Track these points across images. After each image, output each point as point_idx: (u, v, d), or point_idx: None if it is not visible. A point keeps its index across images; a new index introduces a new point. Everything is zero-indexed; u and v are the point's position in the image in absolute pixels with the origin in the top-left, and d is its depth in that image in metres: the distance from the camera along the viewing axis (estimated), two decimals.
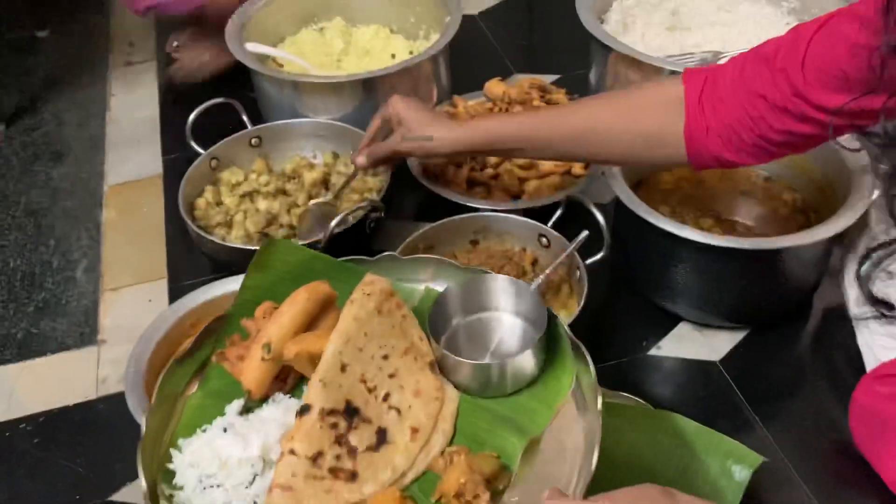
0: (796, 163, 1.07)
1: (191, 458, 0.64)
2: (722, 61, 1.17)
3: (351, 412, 0.64)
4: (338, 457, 0.62)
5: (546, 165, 1.13)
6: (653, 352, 0.98)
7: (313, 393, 0.64)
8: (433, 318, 0.72)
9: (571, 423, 0.67)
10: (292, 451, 0.62)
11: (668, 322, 1.01)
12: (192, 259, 1.12)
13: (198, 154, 1.16)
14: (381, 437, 0.65)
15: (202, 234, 1.03)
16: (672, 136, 0.82)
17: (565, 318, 0.95)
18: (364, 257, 0.80)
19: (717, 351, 0.97)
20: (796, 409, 0.92)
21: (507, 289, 0.75)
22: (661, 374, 0.97)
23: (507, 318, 0.76)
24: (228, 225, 1.10)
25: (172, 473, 0.65)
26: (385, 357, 0.69)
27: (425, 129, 0.96)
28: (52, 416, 0.95)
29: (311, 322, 0.70)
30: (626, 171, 1.01)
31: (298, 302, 0.69)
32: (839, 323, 0.98)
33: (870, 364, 0.90)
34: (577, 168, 1.12)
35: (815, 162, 1.05)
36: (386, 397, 0.67)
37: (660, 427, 0.82)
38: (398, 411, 0.66)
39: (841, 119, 0.72)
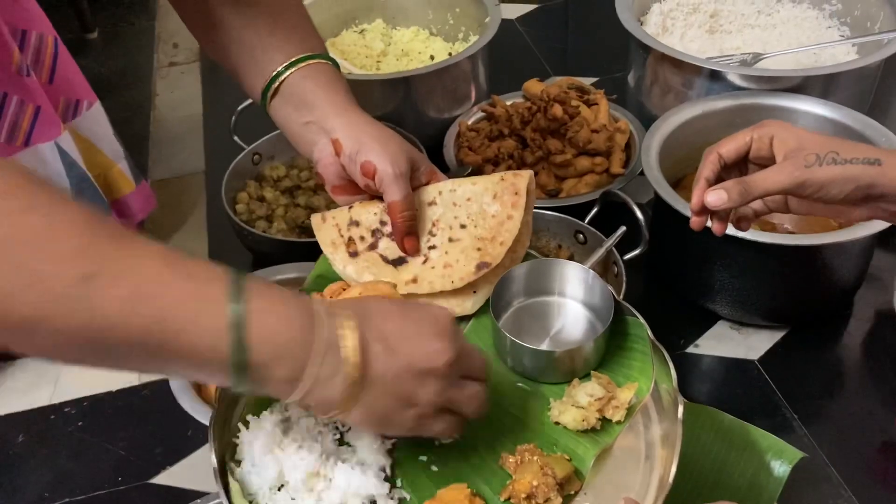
0: None
1: (253, 436, 0.63)
2: (762, 64, 1.19)
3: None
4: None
5: (584, 163, 1.13)
6: (690, 350, 0.98)
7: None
8: (495, 297, 0.71)
9: (648, 428, 0.67)
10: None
11: (705, 320, 1.01)
12: (232, 251, 1.14)
13: (241, 150, 1.18)
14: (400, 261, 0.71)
15: (244, 226, 1.05)
16: None
17: None
18: None
19: (755, 350, 0.97)
20: (837, 409, 0.91)
21: (575, 276, 0.73)
22: (698, 371, 0.96)
23: (571, 306, 0.74)
24: (269, 219, 1.12)
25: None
26: (451, 239, 0.72)
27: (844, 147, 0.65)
28: (96, 401, 0.97)
29: None
30: (665, 170, 1.02)
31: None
32: (884, 324, 0.98)
33: None
34: (616, 167, 1.13)
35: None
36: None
37: (697, 421, 0.81)
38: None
39: None
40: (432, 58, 1.35)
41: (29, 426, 0.96)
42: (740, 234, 0.90)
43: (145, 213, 1.15)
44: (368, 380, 0.53)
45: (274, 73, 0.78)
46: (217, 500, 0.77)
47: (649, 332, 0.68)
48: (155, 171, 1.35)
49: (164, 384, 0.97)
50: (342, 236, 0.73)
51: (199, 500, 0.81)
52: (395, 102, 1.21)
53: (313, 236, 1.07)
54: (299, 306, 0.53)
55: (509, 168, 1.15)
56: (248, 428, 0.64)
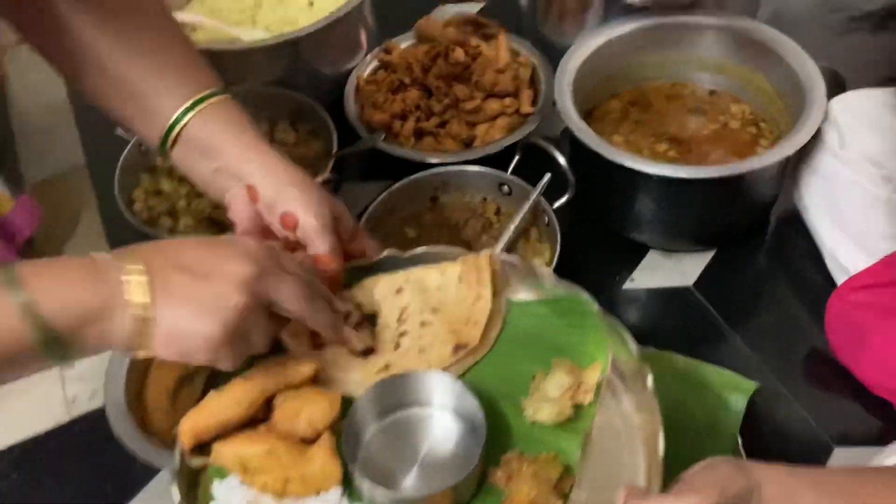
0: (740, 73, 1.07)
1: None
2: None
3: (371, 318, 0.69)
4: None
5: (493, 106, 1.09)
6: (627, 285, 0.99)
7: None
8: (347, 428, 0.63)
9: (618, 400, 0.66)
10: None
11: (636, 252, 1.01)
12: None
13: (122, 139, 1.08)
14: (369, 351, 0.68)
15: (151, 232, 0.97)
16: None
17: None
18: (364, 260, 0.75)
19: (688, 275, 0.99)
20: (771, 320, 0.94)
21: (433, 385, 0.66)
22: (638, 306, 0.98)
23: (438, 416, 0.66)
24: (173, 214, 1.04)
25: None
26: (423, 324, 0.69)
27: None
28: (27, 449, 0.90)
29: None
30: (577, 102, 1.00)
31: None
32: (797, 231, 1.01)
33: (834, 269, 0.92)
34: (526, 106, 1.10)
35: (759, 71, 1.05)
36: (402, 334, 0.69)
37: (652, 368, 0.83)
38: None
39: None
40: (311, 3, 1.26)
41: None
42: (659, 171, 0.90)
43: (32, 228, 1.04)
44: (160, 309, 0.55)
45: (171, 121, 0.70)
46: None
47: (597, 307, 0.68)
48: (30, 172, 1.22)
49: (95, 417, 0.92)
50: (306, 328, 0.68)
51: None
52: (284, 66, 1.13)
53: (226, 229, 1.02)
54: (82, 277, 0.55)
55: (418, 120, 1.10)
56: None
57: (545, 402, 0.64)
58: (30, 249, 1.07)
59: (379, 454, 0.64)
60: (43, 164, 1.22)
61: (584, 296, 0.69)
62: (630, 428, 0.64)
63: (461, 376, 0.67)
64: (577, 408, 0.65)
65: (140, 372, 0.86)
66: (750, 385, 0.80)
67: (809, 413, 0.85)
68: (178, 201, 1.05)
